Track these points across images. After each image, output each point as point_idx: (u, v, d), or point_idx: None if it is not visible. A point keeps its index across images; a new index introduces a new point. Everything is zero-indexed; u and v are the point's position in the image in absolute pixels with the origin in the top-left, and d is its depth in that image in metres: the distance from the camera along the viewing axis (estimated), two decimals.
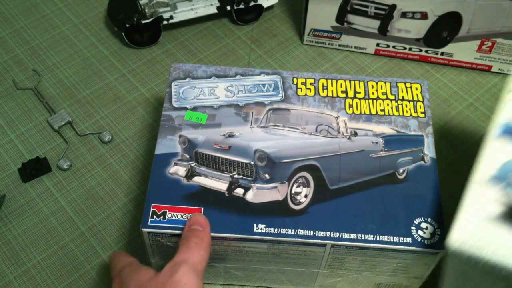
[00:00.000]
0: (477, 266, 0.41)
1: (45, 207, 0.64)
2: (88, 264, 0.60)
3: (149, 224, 0.50)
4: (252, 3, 0.77)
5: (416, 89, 0.59)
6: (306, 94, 0.58)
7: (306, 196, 0.52)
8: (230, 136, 0.55)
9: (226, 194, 0.51)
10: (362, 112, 0.57)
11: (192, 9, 0.76)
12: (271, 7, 0.82)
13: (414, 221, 0.50)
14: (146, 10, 0.74)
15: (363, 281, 0.55)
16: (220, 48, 0.78)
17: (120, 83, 0.74)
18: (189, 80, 0.59)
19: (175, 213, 0.50)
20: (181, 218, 0.50)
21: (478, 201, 0.42)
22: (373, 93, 0.58)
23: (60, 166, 0.65)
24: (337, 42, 0.76)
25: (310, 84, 0.59)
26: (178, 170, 0.53)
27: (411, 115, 0.57)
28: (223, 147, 0.54)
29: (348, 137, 0.55)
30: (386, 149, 0.55)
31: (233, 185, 0.52)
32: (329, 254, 0.51)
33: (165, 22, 0.75)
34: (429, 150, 0.55)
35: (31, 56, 0.76)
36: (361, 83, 0.59)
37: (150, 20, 0.74)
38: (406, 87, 0.59)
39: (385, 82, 0.59)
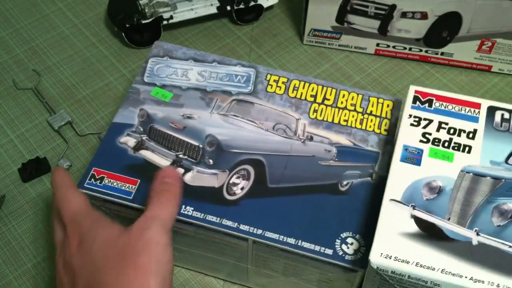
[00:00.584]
0: (397, 280, 0.44)
1: (45, 207, 0.64)
2: None
3: (85, 185, 0.51)
4: (252, 3, 0.77)
5: (388, 106, 0.57)
6: (275, 92, 0.58)
7: (242, 188, 0.52)
8: (188, 117, 0.56)
9: None
10: (325, 119, 0.56)
11: (192, 9, 0.76)
12: (271, 7, 0.82)
13: (341, 235, 0.49)
14: (146, 10, 0.74)
15: (291, 286, 0.55)
16: (220, 48, 0.78)
17: (120, 83, 0.74)
18: (167, 59, 0.60)
19: (112, 180, 0.52)
20: (117, 186, 0.51)
21: (393, 219, 0.45)
22: (342, 103, 0.58)
23: (60, 166, 0.65)
24: (337, 42, 0.76)
25: (282, 82, 0.59)
26: (128, 141, 0.54)
27: (373, 130, 0.56)
28: (178, 127, 0.55)
29: (302, 140, 0.55)
30: (336, 159, 0.54)
31: (175, 164, 0.53)
32: (253, 250, 0.51)
33: (165, 22, 0.75)
34: (380, 169, 0.53)
35: (31, 56, 0.76)
36: (333, 90, 0.58)
37: (150, 20, 0.74)
38: (378, 102, 0.58)
39: (357, 94, 0.58)
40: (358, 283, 0.49)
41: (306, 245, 0.49)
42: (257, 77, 0.59)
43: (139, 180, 0.52)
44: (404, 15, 0.70)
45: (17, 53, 0.77)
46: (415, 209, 0.45)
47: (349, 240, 0.49)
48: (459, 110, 0.52)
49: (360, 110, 0.57)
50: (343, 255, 0.48)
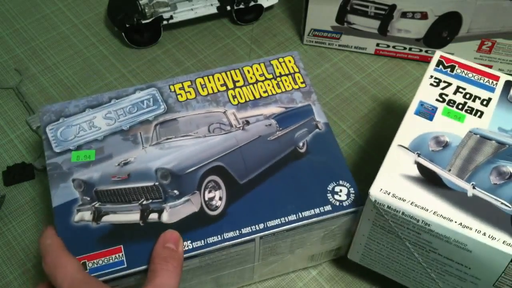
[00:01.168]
0: (391, 216, 0.47)
1: (45, 207, 0.64)
2: None
3: None
4: (252, 3, 0.77)
5: (290, 61, 0.60)
6: (187, 98, 0.57)
7: (220, 198, 0.51)
8: (125, 163, 0.52)
9: (141, 224, 0.49)
10: (247, 99, 0.57)
11: (192, 9, 0.76)
12: (271, 7, 0.82)
13: (328, 188, 0.52)
14: (146, 10, 0.74)
15: (297, 258, 0.56)
16: (220, 48, 0.78)
17: (120, 83, 0.74)
18: (63, 119, 0.55)
19: (95, 260, 0.48)
20: (104, 263, 0.47)
21: (397, 162, 0.49)
22: (251, 78, 0.59)
23: (36, 166, 0.65)
24: (337, 42, 0.76)
25: (188, 87, 0.58)
26: (83, 216, 0.50)
27: (292, 88, 0.58)
28: (122, 177, 0.51)
29: (241, 127, 0.55)
30: (281, 128, 0.55)
31: (145, 212, 0.50)
32: (260, 246, 0.51)
33: (165, 22, 0.75)
34: (320, 117, 0.56)
35: (31, 56, 0.76)
36: (237, 71, 0.59)
37: (150, 20, 0.74)
38: (279, 63, 0.60)
39: (259, 64, 0.60)
40: (357, 223, 0.52)
41: (306, 213, 0.50)
42: (162, 93, 0.57)
43: (121, 245, 0.48)
44: (404, 15, 0.70)
45: (17, 53, 0.77)
46: (420, 156, 0.49)
47: (337, 188, 0.52)
48: (478, 79, 0.54)
49: (270, 76, 0.59)
50: (341, 204, 0.51)
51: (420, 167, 0.48)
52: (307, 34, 0.76)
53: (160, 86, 0.58)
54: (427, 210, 0.46)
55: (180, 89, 0.58)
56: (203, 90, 0.58)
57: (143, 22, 0.74)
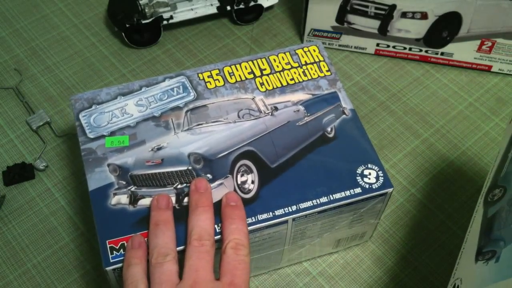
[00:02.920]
0: None
1: (45, 207, 0.64)
2: (88, 264, 0.60)
3: (111, 261, 0.47)
4: (252, 3, 0.77)
5: (314, 51, 0.61)
6: (216, 86, 0.58)
7: (253, 182, 0.52)
8: (159, 149, 0.53)
9: (177, 207, 0.50)
10: (275, 87, 0.58)
11: (192, 9, 0.76)
12: (271, 7, 0.82)
13: (357, 171, 0.53)
14: (146, 10, 0.74)
15: (324, 242, 0.57)
16: (220, 48, 0.78)
17: (120, 83, 0.74)
18: (95, 107, 0.56)
19: None
20: None
21: None
22: (277, 66, 0.60)
23: (36, 166, 0.65)
24: (337, 42, 0.76)
25: (217, 74, 0.59)
26: (120, 199, 0.51)
27: (318, 76, 0.59)
28: (156, 162, 0.53)
29: (270, 113, 0.56)
30: (308, 114, 0.56)
31: (180, 196, 0.51)
32: (292, 229, 0.52)
33: (165, 22, 0.75)
34: (346, 103, 0.57)
35: (31, 56, 0.76)
36: (263, 60, 0.60)
37: (150, 20, 0.74)
38: (304, 52, 0.61)
39: (284, 53, 0.61)
40: (384, 206, 0.54)
41: (337, 196, 0.51)
42: (191, 81, 0.58)
43: None
44: (404, 15, 0.70)
45: (17, 53, 0.77)
46: None
47: (366, 172, 0.53)
48: None
49: (296, 65, 0.60)
50: (370, 186, 0.52)
51: None
52: (307, 34, 0.76)
53: (189, 75, 0.59)
54: None
55: (208, 77, 0.59)
56: (231, 78, 0.59)
57: (143, 22, 0.74)
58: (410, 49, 0.75)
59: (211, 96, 0.57)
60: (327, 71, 0.59)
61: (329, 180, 0.52)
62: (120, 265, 0.47)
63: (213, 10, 0.77)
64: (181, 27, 0.79)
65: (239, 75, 0.59)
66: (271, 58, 0.60)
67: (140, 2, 0.74)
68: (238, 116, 0.56)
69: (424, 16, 0.70)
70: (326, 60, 0.60)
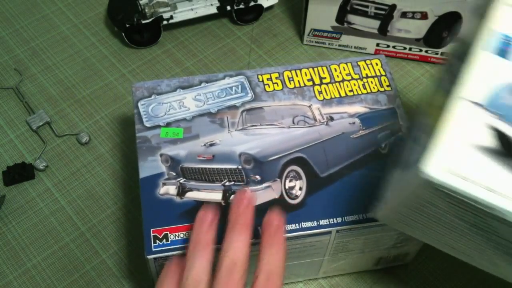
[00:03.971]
0: (453, 198, 0.35)
1: (45, 207, 0.64)
2: (88, 264, 0.60)
3: (153, 250, 0.48)
4: (252, 3, 0.77)
5: (377, 64, 0.60)
6: (274, 89, 0.58)
7: (300, 188, 0.52)
8: (211, 145, 0.54)
9: (223, 204, 0.51)
10: (333, 96, 0.58)
11: (192, 9, 0.76)
12: (271, 7, 0.82)
13: None
14: (146, 10, 0.74)
15: (364, 258, 0.56)
16: (220, 48, 0.78)
17: (120, 83, 0.74)
18: (155, 97, 0.57)
19: (176, 233, 0.49)
20: (184, 237, 0.49)
21: (463, 125, 0.34)
22: (338, 76, 0.59)
23: (36, 166, 0.65)
24: (337, 42, 0.76)
25: (276, 78, 0.59)
26: (168, 190, 0.52)
27: (378, 90, 0.58)
28: (207, 157, 0.53)
29: (325, 123, 0.56)
30: (364, 128, 0.56)
31: (227, 193, 0.51)
32: (334, 240, 0.51)
33: (165, 22, 0.75)
34: (403, 121, 0.56)
35: (31, 56, 0.76)
36: (324, 68, 0.60)
37: (150, 20, 0.74)
38: (367, 64, 0.60)
39: (346, 63, 0.60)
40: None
41: None
42: (250, 82, 0.59)
43: None
44: (404, 15, 0.70)
45: (17, 53, 0.77)
46: (501, 118, 0.35)
47: None
48: None
49: (357, 76, 0.59)
50: None
51: (499, 134, 0.34)
52: (307, 34, 0.76)
53: (249, 75, 0.59)
54: (504, 196, 0.33)
55: (268, 79, 0.59)
56: (290, 83, 0.58)
57: (143, 22, 0.74)
58: (410, 49, 0.75)
59: (268, 99, 0.57)
60: (387, 86, 0.58)
61: (376, 195, 0.51)
62: (161, 255, 0.48)
63: (213, 10, 0.77)
64: (181, 27, 0.79)
65: (298, 81, 0.59)
66: (332, 67, 0.60)
67: (140, 2, 0.74)
68: (293, 122, 0.56)
69: (424, 16, 0.70)
70: (387, 75, 0.59)
